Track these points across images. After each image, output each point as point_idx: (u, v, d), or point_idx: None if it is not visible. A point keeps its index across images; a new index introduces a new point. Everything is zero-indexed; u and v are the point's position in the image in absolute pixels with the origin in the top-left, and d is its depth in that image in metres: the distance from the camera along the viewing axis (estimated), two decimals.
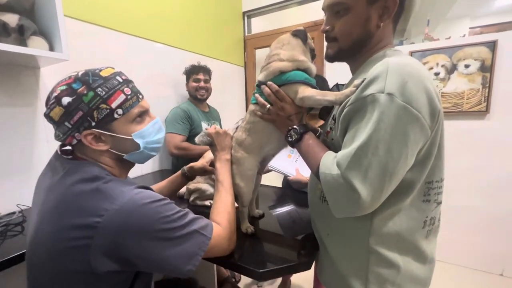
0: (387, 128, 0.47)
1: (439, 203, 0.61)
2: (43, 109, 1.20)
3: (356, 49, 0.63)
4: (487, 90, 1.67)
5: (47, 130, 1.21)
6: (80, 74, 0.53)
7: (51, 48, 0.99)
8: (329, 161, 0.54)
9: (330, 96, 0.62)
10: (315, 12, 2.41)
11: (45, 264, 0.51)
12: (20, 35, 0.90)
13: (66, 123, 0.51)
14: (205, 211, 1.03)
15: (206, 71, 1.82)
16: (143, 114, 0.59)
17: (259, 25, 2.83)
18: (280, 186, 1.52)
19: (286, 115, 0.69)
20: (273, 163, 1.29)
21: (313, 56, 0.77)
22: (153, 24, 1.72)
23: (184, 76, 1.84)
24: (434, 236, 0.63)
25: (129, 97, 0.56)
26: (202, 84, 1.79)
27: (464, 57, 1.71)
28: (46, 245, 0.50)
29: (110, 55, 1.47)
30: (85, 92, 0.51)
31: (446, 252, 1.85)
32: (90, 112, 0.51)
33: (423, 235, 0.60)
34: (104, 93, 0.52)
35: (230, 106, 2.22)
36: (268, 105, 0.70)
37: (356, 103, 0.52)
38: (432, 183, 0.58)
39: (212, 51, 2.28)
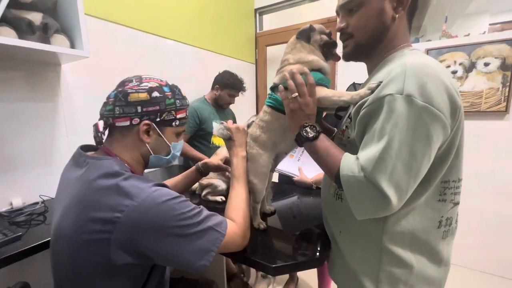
0: (409, 130, 0.48)
1: (456, 203, 0.60)
2: (64, 104, 1.26)
3: (373, 43, 0.62)
4: (507, 89, 1.61)
5: (67, 125, 1.25)
6: (170, 84, 0.65)
7: (72, 46, 1.03)
8: (351, 163, 0.53)
9: (345, 96, 0.62)
10: (327, 9, 2.38)
11: (67, 254, 0.54)
12: (44, 33, 0.94)
13: (139, 107, 0.58)
14: (216, 207, 1.05)
15: (244, 91, 1.86)
16: (182, 133, 0.70)
17: (271, 22, 2.82)
18: (277, 181, 1.53)
19: (308, 113, 0.64)
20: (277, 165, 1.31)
21: (330, 46, 0.75)
22: (166, 21, 1.74)
23: (196, 70, 1.85)
24: (451, 237, 0.62)
25: (186, 116, 0.68)
26: (233, 100, 1.83)
27: (483, 55, 1.65)
28: (69, 236, 0.52)
29: (127, 52, 1.51)
30: (169, 97, 0.62)
31: (459, 254, 1.80)
32: (163, 110, 0.61)
33: (439, 235, 0.59)
34: (179, 105, 0.64)
35: (241, 103, 2.23)
36: (296, 94, 0.63)
37: (374, 103, 0.52)
38: (449, 182, 0.57)
39: (223, 48, 2.30)
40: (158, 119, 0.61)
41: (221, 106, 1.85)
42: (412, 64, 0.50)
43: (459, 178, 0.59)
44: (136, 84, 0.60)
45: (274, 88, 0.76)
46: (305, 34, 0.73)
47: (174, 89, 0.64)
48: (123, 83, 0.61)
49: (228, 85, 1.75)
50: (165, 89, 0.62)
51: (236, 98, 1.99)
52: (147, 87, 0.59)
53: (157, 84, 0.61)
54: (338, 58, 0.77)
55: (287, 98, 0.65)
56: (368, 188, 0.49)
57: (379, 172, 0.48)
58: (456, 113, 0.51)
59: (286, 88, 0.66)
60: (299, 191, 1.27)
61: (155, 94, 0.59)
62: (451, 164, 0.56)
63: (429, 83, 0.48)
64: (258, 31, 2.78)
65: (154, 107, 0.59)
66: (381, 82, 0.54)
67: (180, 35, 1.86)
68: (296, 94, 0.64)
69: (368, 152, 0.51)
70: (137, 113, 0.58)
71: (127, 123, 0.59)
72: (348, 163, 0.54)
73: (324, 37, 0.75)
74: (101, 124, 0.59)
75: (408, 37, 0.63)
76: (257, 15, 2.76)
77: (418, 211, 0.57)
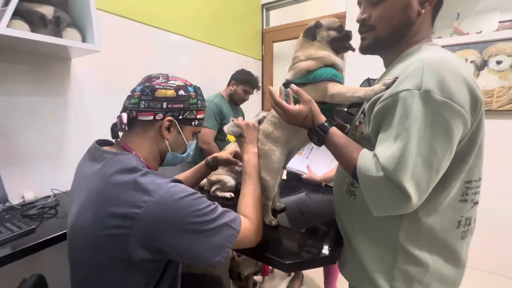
0: (427, 126, 0.47)
1: (476, 203, 0.59)
2: (74, 98, 1.27)
3: (394, 38, 0.61)
4: None
5: (77, 119, 1.26)
6: (194, 85, 0.67)
7: (83, 40, 1.02)
8: (368, 161, 0.52)
9: (359, 92, 0.62)
10: (335, 5, 2.35)
11: (85, 248, 0.54)
12: (56, 27, 0.94)
13: (164, 103, 0.60)
14: (225, 203, 1.05)
15: (259, 89, 1.91)
16: (197, 133, 0.72)
17: (277, 18, 2.79)
18: (284, 177, 1.53)
19: (300, 121, 0.65)
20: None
21: (340, 41, 0.72)
22: (174, 16, 1.73)
23: (203, 64, 1.84)
24: (470, 237, 0.62)
25: (203, 118, 0.70)
26: (247, 97, 1.86)
27: (496, 53, 1.62)
28: (87, 231, 0.53)
29: (136, 47, 1.50)
30: (193, 97, 0.64)
31: (470, 255, 1.79)
32: (186, 109, 0.63)
33: (458, 235, 0.58)
34: (200, 106, 0.67)
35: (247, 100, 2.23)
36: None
37: (390, 99, 0.51)
38: (471, 182, 0.56)
39: (229, 44, 2.28)
40: (180, 117, 0.63)
41: (235, 102, 1.87)
42: (430, 58, 0.49)
43: (480, 177, 0.58)
44: (163, 81, 0.61)
45: (286, 84, 0.75)
46: (310, 32, 0.72)
47: (197, 90, 0.66)
48: (149, 79, 0.62)
49: (244, 81, 1.80)
50: (190, 89, 0.64)
51: None
52: (174, 85, 0.61)
53: (183, 84, 0.63)
54: (352, 49, 0.74)
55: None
56: (388, 186, 0.48)
57: (401, 171, 0.47)
58: (477, 108, 0.50)
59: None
60: (307, 188, 1.27)
61: (181, 92, 0.61)
62: (473, 164, 0.55)
63: (448, 77, 0.46)
64: (264, 27, 2.76)
65: (178, 105, 0.61)
66: (397, 77, 0.53)
67: (187, 30, 1.85)
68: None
69: (387, 150, 0.49)
70: (162, 109, 0.60)
71: (151, 117, 0.60)
72: (366, 161, 0.53)
73: (332, 33, 0.72)
74: (125, 116, 0.59)
75: (429, 33, 0.62)
76: (264, 10, 2.74)
77: (439, 210, 0.56)
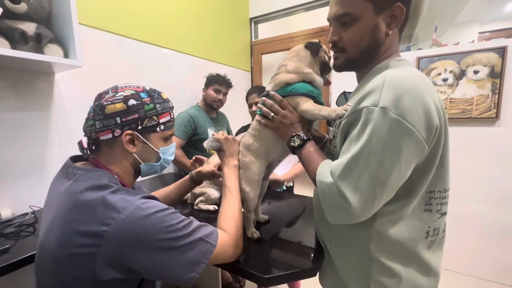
0: (379, 141, 0.48)
1: (443, 213, 0.60)
2: (57, 113, 1.26)
3: (365, 58, 0.63)
4: (497, 96, 1.64)
5: (60, 134, 1.24)
6: (147, 88, 0.63)
7: (66, 55, 1.03)
8: (325, 169, 0.55)
9: (324, 112, 0.67)
10: (322, 18, 2.43)
11: (52, 268, 0.52)
12: (38, 43, 0.94)
13: (117, 118, 0.57)
14: (209, 216, 1.04)
15: (229, 85, 1.86)
16: (170, 137, 0.68)
17: (266, 30, 2.87)
18: None
19: (289, 123, 0.71)
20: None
21: (326, 69, 0.78)
22: (161, 30, 1.76)
23: (192, 78, 1.86)
24: (438, 247, 0.62)
25: (171, 119, 0.66)
26: (221, 97, 1.83)
27: (473, 63, 1.69)
28: (53, 250, 0.51)
29: (121, 61, 1.51)
30: (148, 102, 0.60)
31: (455, 261, 1.81)
32: (143, 117, 0.60)
33: (425, 245, 0.59)
34: (160, 109, 0.62)
35: (236, 111, 2.24)
36: (272, 113, 0.73)
37: (352, 115, 0.54)
38: (434, 192, 0.57)
39: (219, 57, 2.32)
40: (140, 127, 0.59)
41: (211, 107, 1.84)
42: (391, 77, 0.50)
43: (445, 188, 0.58)
44: (111, 95, 0.59)
45: (266, 96, 0.77)
46: (315, 47, 0.75)
47: (152, 93, 0.62)
48: (99, 96, 0.60)
49: (211, 81, 1.80)
50: (142, 95, 0.60)
51: (231, 106, 1.99)
52: (122, 97, 0.58)
53: (133, 92, 0.60)
54: (328, 83, 0.80)
55: (267, 124, 0.74)
56: (333, 192, 0.51)
57: (343, 178, 0.50)
58: (432, 131, 0.49)
59: (263, 116, 0.75)
60: (270, 196, 1.27)
61: (132, 102, 0.58)
62: (436, 175, 0.55)
63: (404, 96, 0.47)
64: (253, 39, 2.82)
65: (133, 116, 0.58)
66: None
67: (175, 44, 1.88)
68: (272, 114, 0.72)
69: (340, 159, 0.53)
70: (117, 124, 0.57)
71: (110, 135, 0.58)
72: (323, 169, 0.56)
73: (326, 57, 0.77)
74: (85, 140, 0.59)
75: (398, 48, 0.64)
76: (252, 24, 2.81)
77: (405, 221, 0.57)
